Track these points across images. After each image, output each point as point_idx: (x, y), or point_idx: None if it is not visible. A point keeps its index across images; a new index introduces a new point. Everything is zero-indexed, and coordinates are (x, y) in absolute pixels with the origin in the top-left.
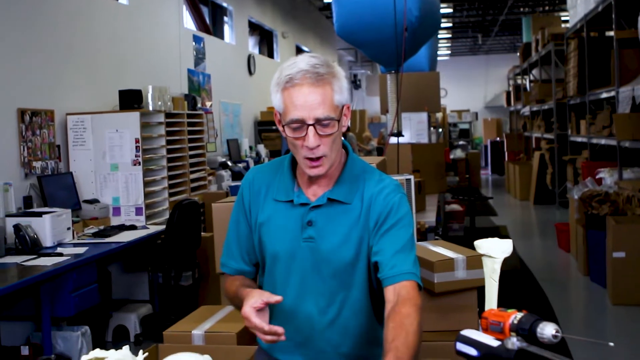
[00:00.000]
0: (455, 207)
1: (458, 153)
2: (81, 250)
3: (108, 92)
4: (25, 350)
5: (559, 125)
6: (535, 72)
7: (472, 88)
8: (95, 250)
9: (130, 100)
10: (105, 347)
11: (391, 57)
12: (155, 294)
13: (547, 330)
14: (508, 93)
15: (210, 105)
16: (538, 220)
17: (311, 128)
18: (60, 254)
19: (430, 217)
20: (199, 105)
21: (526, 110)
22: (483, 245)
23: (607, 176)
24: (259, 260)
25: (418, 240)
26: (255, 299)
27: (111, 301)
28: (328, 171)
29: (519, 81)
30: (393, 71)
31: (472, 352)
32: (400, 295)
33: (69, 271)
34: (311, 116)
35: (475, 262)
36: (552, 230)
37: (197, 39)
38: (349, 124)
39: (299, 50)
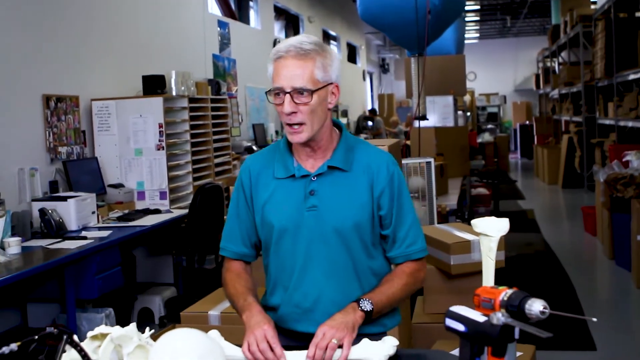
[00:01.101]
0: (481, 190)
1: (486, 137)
2: (105, 233)
3: (132, 77)
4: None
5: (587, 108)
6: (564, 54)
7: (502, 71)
8: (119, 233)
9: (154, 85)
10: (149, 327)
11: (415, 41)
12: (180, 277)
13: (535, 306)
14: (537, 76)
15: (236, 90)
16: (566, 204)
17: (287, 96)
18: (85, 238)
19: (452, 201)
20: (224, 90)
21: (555, 93)
22: (479, 224)
23: (634, 159)
24: (263, 240)
25: (439, 223)
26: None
27: (136, 284)
28: (316, 144)
29: (548, 64)
30: (417, 54)
31: (460, 327)
32: (405, 267)
33: (93, 254)
34: (289, 85)
35: None
36: (580, 214)
37: (222, 24)
38: (376, 107)
39: (326, 35)
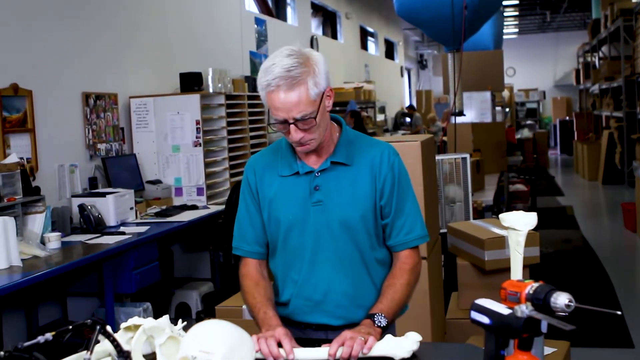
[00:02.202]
0: (519, 187)
1: (525, 133)
2: (143, 229)
3: (170, 75)
4: None
5: (627, 103)
6: (604, 49)
7: (541, 66)
8: (156, 229)
9: (191, 82)
10: (181, 320)
11: (451, 36)
12: (217, 272)
13: (561, 299)
14: (577, 71)
15: None
16: (605, 200)
17: (292, 126)
18: (123, 233)
19: (488, 197)
20: None
21: (595, 89)
22: (507, 218)
23: None
24: (271, 238)
25: (474, 219)
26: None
27: (174, 279)
28: (319, 145)
29: (588, 59)
30: (454, 50)
31: (485, 320)
32: (405, 259)
33: (131, 249)
34: (290, 116)
35: (528, 239)
36: (620, 211)
37: (259, 22)
38: (414, 104)
39: (363, 32)
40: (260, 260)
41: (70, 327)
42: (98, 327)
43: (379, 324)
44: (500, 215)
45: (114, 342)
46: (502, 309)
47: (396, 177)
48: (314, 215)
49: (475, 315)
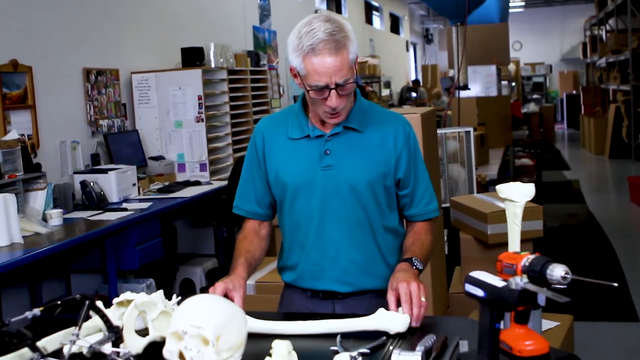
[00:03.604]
0: (525, 161)
1: (531, 107)
2: (145, 205)
3: (171, 50)
4: None
5: (634, 77)
6: (611, 21)
7: (548, 40)
8: (159, 205)
9: (192, 57)
10: (176, 295)
11: (456, 9)
12: (221, 248)
13: (557, 271)
14: (584, 45)
15: (277, 62)
16: (612, 174)
17: (333, 91)
18: (125, 209)
19: (492, 171)
20: (264, 62)
21: (602, 62)
22: (504, 189)
23: None
24: (278, 200)
25: (478, 192)
26: (220, 288)
27: (177, 255)
28: None
29: (595, 32)
30: (458, 23)
31: (479, 292)
32: (425, 225)
33: (133, 225)
34: (332, 81)
35: (531, 213)
36: (626, 185)
37: None
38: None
39: (368, 6)
40: (260, 221)
41: (59, 302)
42: (87, 303)
43: (417, 266)
44: (497, 187)
45: (103, 317)
46: (497, 281)
47: (412, 150)
48: (322, 180)
49: (469, 287)
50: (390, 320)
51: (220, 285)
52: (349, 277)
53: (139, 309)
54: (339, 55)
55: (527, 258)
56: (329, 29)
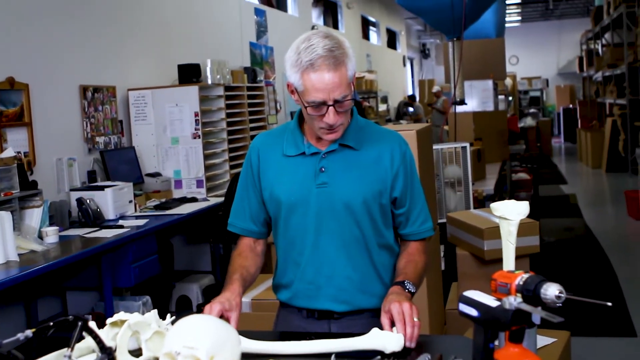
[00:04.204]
0: (522, 175)
1: (528, 121)
2: (142, 222)
3: (168, 66)
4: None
5: (631, 90)
6: (607, 36)
7: (544, 54)
8: (155, 222)
9: (189, 74)
10: (170, 314)
11: (452, 25)
12: (217, 264)
13: (551, 291)
14: (580, 59)
15: (274, 78)
16: (609, 188)
17: (331, 108)
18: (121, 226)
19: (489, 186)
20: (261, 78)
21: (598, 76)
22: (499, 207)
23: None
24: (272, 217)
25: (475, 208)
26: (217, 309)
27: (174, 272)
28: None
29: (592, 46)
30: (455, 38)
31: (473, 312)
32: (419, 245)
33: (129, 242)
34: (331, 97)
35: (527, 228)
36: (623, 199)
37: (258, 12)
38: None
39: (365, 21)
40: (256, 239)
41: (51, 323)
42: (80, 324)
43: (409, 289)
44: (492, 205)
45: (96, 338)
46: (491, 301)
47: (408, 168)
48: (317, 197)
49: (463, 307)
50: (385, 339)
51: (216, 307)
52: (345, 295)
53: (133, 329)
54: (338, 71)
55: (521, 277)
56: (328, 45)
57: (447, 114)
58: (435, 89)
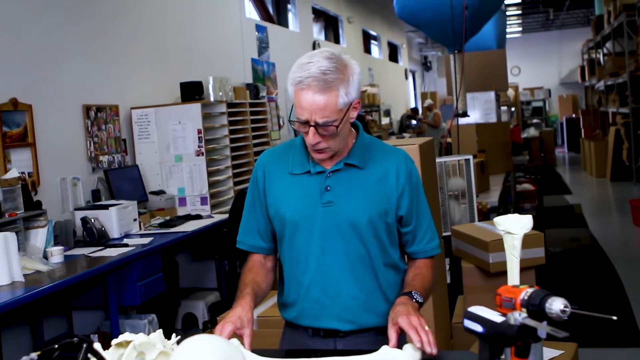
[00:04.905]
0: (526, 186)
1: (531, 132)
2: (146, 240)
3: (170, 84)
4: (95, 338)
5: (633, 99)
6: (608, 45)
7: (546, 65)
8: (160, 240)
9: (191, 92)
10: (176, 334)
11: (453, 37)
12: (223, 281)
13: (556, 305)
14: (582, 68)
15: (276, 94)
16: (614, 197)
17: (312, 129)
18: (126, 245)
19: (493, 197)
20: (263, 94)
21: (601, 85)
22: (502, 221)
23: None
24: (278, 234)
25: (479, 220)
26: (228, 330)
27: (179, 290)
28: (334, 155)
29: (593, 55)
30: (456, 51)
31: (478, 328)
32: (426, 261)
33: (134, 261)
34: (312, 119)
35: (532, 240)
36: (628, 207)
37: (260, 28)
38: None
39: (366, 35)
40: (265, 255)
41: (57, 345)
42: (85, 346)
43: (416, 299)
44: (495, 219)
45: None
46: (496, 316)
47: (414, 186)
48: (323, 216)
49: (468, 323)
50: (394, 356)
51: (227, 327)
52: (350, 315)
53: (138, 350)
54: (325, 95)
55: (526, 292)
56: (324, 67)
57: (438, 127)
58: (427, 102)
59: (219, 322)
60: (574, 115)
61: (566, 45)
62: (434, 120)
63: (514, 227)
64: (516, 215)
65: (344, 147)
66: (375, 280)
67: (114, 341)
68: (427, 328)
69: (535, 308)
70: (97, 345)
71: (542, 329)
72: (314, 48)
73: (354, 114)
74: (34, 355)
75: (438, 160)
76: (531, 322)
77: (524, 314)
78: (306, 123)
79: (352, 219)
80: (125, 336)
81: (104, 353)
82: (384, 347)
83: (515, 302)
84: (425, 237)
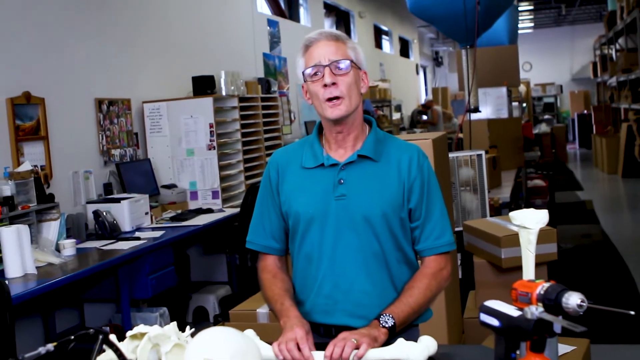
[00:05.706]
0: (538, 182)
1: (543, 127)
2: (158, 234)
3: (182, 79)
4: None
5: None
6: (621, 40)
7: (558, 60)
8: (171, 233)
9: (204, 86)
10: (189, 326)
11: (465, 32)
12: (234, 275)
13: (572, 300)
14: (594, 64)
15: (288, 89)
16: (626, 194)
17: (327, 68)
18: (138, 238)
19: (505, 193)
20: (275, 88)
21: (613, 81)
22: (518, 216)
23: None
24: (291, 231)
25: (491, 216)
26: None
27: (190, 283)
28: (346, 121)
29: (605, 51)
30: (468, 46)
31: (494, 322)
32: (434, 264)
33: (146, 254)
34: (326, 59)
35: (545, 236)
36: (639, 203)
37: (271, 23)
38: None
39: (377, 30)
40: (278, 256)
41: (72, 337)
42: (100, 337)
43: (384, 324)
44: (511, 214)
45: (117, 351)
46: (512, 310)
47: (425, 181)
48: (336, 210)
49: (484, 317)
50: (409, 349)
51: (291, 344)
52: (362, 310)
53: (153, 342)
54: (335, 43)
55: (542, 286)
56: (333, 32)
57: (436, 124)
58: (426, 99)
59: (230, 315)
60: (585, 112)
61: (578, 41)
62: (431, 117)
63: (530, 221)
64: (532, 209)
65: (359, 133)
66: (389, 277)
67: (129, 333)
68: (352, 352)
69: (552, 303)
70: (112, 337)
71: (560, 323)
72: None
73: (363, 85)
74: (51, 346)
75: (450, 155)
76: (548, 317)
77: (541, 308)
78: (319, 65)
79: (365, 212)
80: (139, 328)
81: (119, 345)
82: (400, 339)
83: (532, 296)
84: (434, 232)
